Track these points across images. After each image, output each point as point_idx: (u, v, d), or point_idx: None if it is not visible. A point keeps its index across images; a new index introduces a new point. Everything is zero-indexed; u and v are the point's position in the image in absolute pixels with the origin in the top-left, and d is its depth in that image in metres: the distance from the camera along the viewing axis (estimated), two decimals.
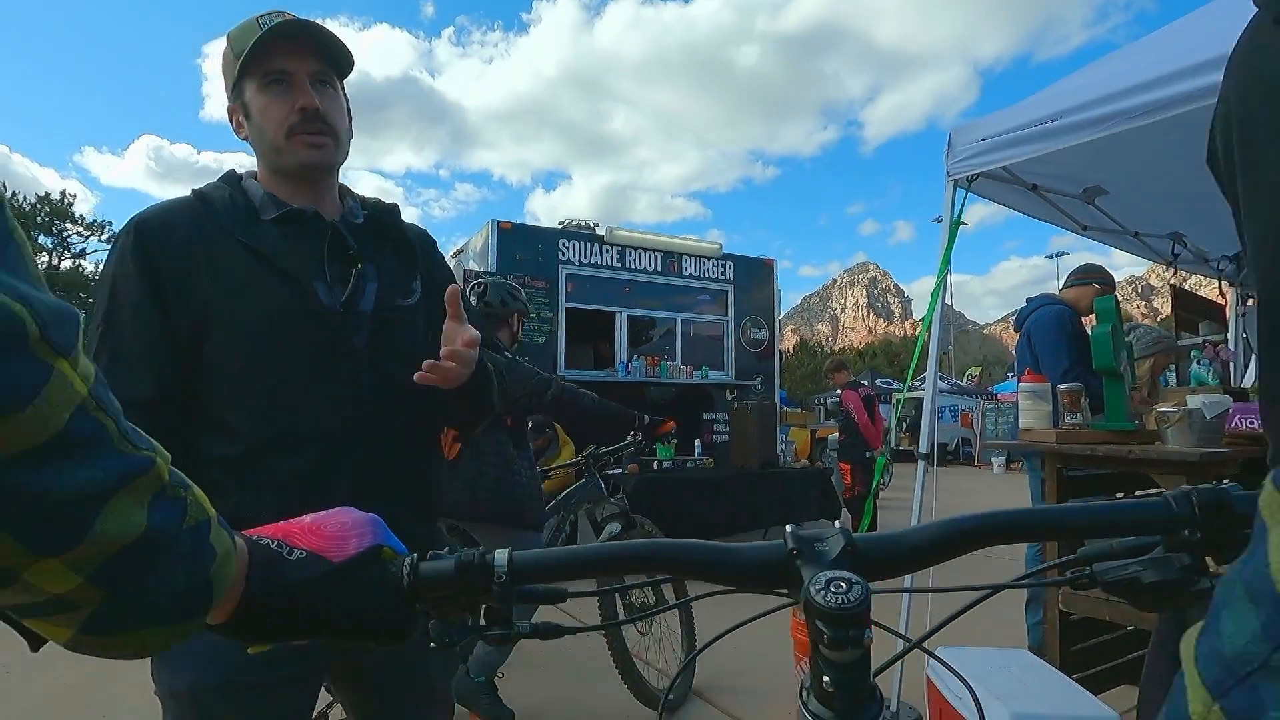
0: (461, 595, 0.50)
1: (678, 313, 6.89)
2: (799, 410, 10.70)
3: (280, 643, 0.50)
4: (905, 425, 16.16)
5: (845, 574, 0.44)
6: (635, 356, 6.72)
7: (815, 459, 6.87)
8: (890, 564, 0.50)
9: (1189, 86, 2.03)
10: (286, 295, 1.02)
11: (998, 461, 16.22)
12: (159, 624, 0.42)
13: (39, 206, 8.19)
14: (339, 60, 1.09)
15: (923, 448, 2.62)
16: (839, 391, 6.84)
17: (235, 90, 1.07)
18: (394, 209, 1.21)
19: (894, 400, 6.01)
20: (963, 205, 2.57)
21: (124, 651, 0.43)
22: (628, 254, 6.62)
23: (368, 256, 1.11)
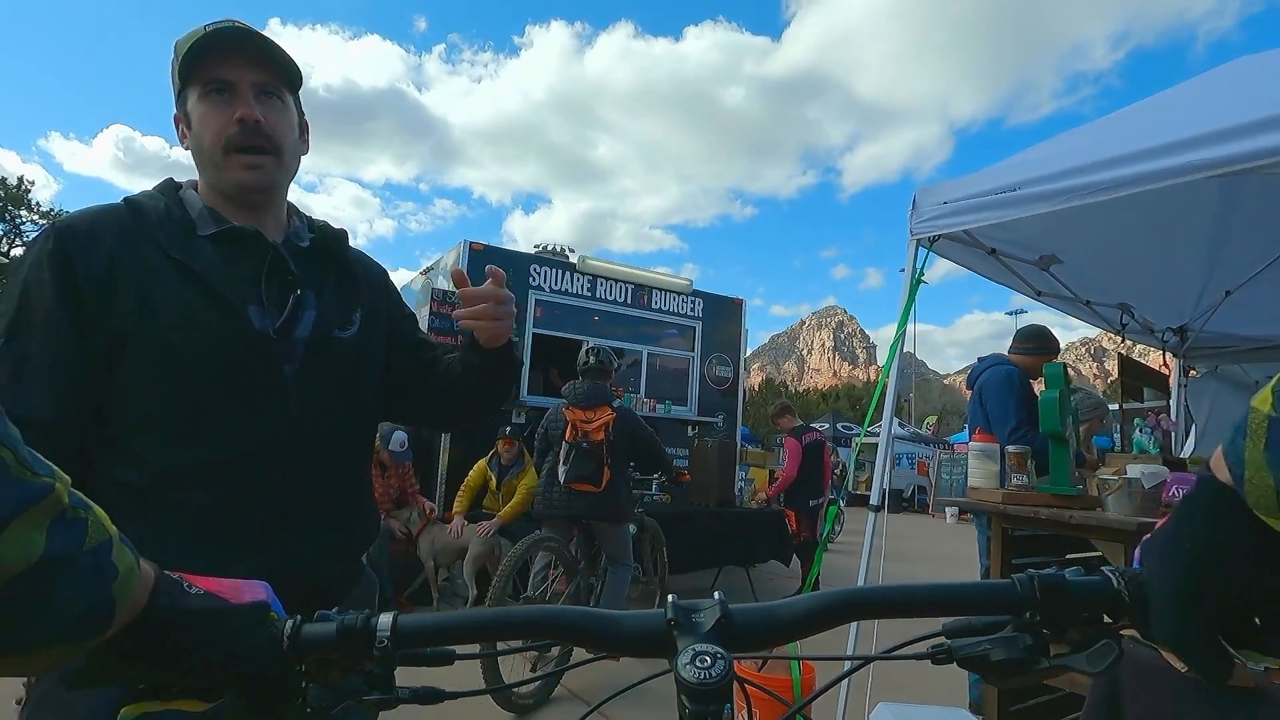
0: (344, 658, 0.50)
1: (645, 345, 6.90)
2: (759, 450, 10.74)
3: (161, 696, 0.50)
4: (866, 470, 16.36)
5: (710, 649, 0.46)
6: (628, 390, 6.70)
7: (773, 500, 6.87)
8: (763, 637, 0.52)
9: (1142, 169, 2.13)
10: (216, 317, 0.95)
11: (951, 511, 16.47)
12: (58, 643, 0.43)
13: None
14: (285, 71, 1.03)
15: (874, 500, 2.64)
16: (783, 435, 6.86)
17: (180, 98, 1.02)
18: (342, 235, 1.16)
19: (853, 445, 6.11)
20: (924, 263, 2.64)
21: (24, 669, 0.44)
22: (599, 283, 6.64)
23: (309, 283, 1.05)
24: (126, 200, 1.01)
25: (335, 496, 1.07)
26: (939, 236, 2.64)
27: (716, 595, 0.52)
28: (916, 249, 2.66)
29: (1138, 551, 0.53)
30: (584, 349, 3.95)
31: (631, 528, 4.10)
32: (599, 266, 6.70)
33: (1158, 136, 2.15)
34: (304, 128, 1.12)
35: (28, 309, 0.90)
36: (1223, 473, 0.47)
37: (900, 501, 19.83)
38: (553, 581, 3.67)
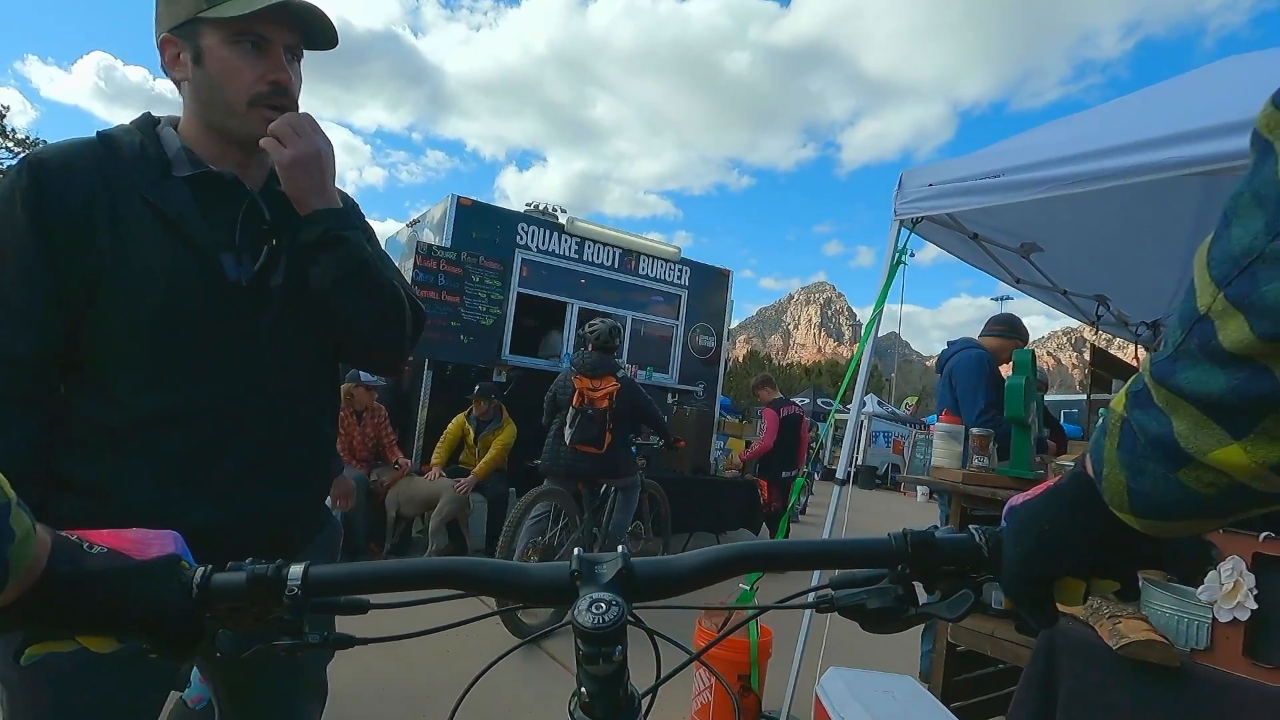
0: (254, 606, 0.51)
1: (630, 311, 6.91)
2: (739, 420, 10.86)
3: (64, 637, 0.50)
4: (842, 445, 16.56)
5: (606, 595, 0.49)
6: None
7: (747, 470, 6.99)
8: (661, 587, 0.55)
9: (1123, 163, 2.14)
10: (189, 264, 0.95)
11: (922, 490, 16.83)
12: None
13: None
14: (319, 40, 1.04)
15: (840, 473, 2.70)
16: (762, 407, 6.98)
17: (187, 26, 0.97)
18: None
19: (830, 420, 6.17)
20: (905, 244, 2.66)
21: None
22: (586, 246, 6.60)
23: (285, 230, 1.05)
24: (100, 135, 0.98)
25: (306, 442, 1.09)
26: (922, 218, 2.66)
27: (620, 549, 0.55)
28: (899, 229, 2.67)
29: (1005, 509, 0.58)
30: (593, 322, 4.34)
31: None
32: (588, 229, 6.65)
33: (1142, 131, 2.16)
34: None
35: (2, 247, 0.89)
36: (1089, 468, 0.51)
37: (874, 479, 20.20)
38: (559, 531, 4.04)
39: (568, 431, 4.04)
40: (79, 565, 0.50)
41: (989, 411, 3.01)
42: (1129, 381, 0.46)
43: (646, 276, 6.96)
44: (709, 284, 7.38)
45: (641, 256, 6.91)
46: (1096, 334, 4.29)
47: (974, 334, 3.62)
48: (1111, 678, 1.59)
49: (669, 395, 7.03)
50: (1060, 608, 0.55)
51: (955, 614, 0.55)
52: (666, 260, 7.10)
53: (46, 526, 0.50)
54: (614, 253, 6.76)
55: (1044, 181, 2.27)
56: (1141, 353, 4.82)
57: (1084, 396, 4.08)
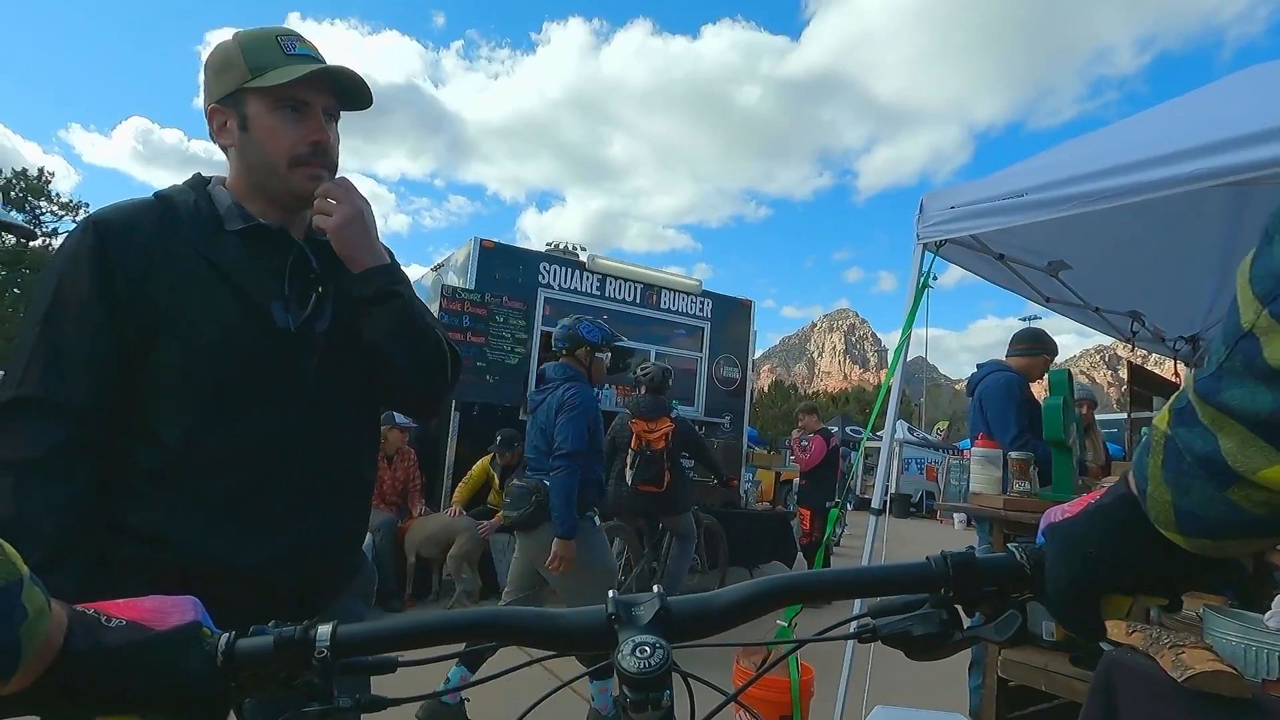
0: (281, 671, 0.49)
1: (653, 345, 6.91)
2: (766, 451, 10.72)
3: (83, 718, 0.48)
4: (874, 474, 16.23)
5: (649, 639, 0.48)
6: (607, 385, 6.72)
7: (778, 501, 6.88)
8: (700, 626, 0.53)
9: (1148, 177, 2.12)
10: (240, 312, 1.00)
11: (959, 517, 16.38)
12: None
13: (14, 181, 8.00)
14: (354, 102, 1.09)
15: (875, 503, 2.64)
16: (810, 434, 6.89)
17: (233, 97, 1.04)
18: None
19: (861, 449, 6.09)
20: (930, 268, 2.64)
21: None
22: (608, 282, 6.66)
23: (329, 277, 1.10)
24: (158, 195, 1.04)
25: (347, 482, 1.12)
26: (945, 241, 2.64)
27: (656, 589, 0.53)
28: (923, 253, 2.66)
29: (1042, 524, 0.56)
30: (645, 365, 4.60)
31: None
32: (608, 265, 6.72)
33: (1165, 144, 2.14)
34: None
35: (63, 299, 0.94)
36: (1133, 487, 0.50)
37: (908, 507, 19.73)
38: (621, 562, 4.29)
39: (629, 473, 4.29)
40: (97, 641, 0.47)
41: (1022, 436, 2.93)
42: (1172, 399, 0.46)
43: (668, 310, 6.98)
44: (731, 315, 7.38)
45: (663, 291, 6.95)
46: (1133, 351, 4.19)
47: (1001, 353, 3.55)
48: (1177, 712, 1.50)
49: (696, 428, 6.99)
50: (1114, 636, 0.53)
51: (1003, 635, 0.53)
52: (688, 293, 7.12)
53: (62, 602, 0.48)
54: (635, 288, 6.81)
55: (1069, 199, 2.25)
56: (1181, 368, 4.69)
57: (1123, 415, 3.96)
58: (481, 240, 6.03)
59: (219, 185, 1.09)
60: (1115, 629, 1.65)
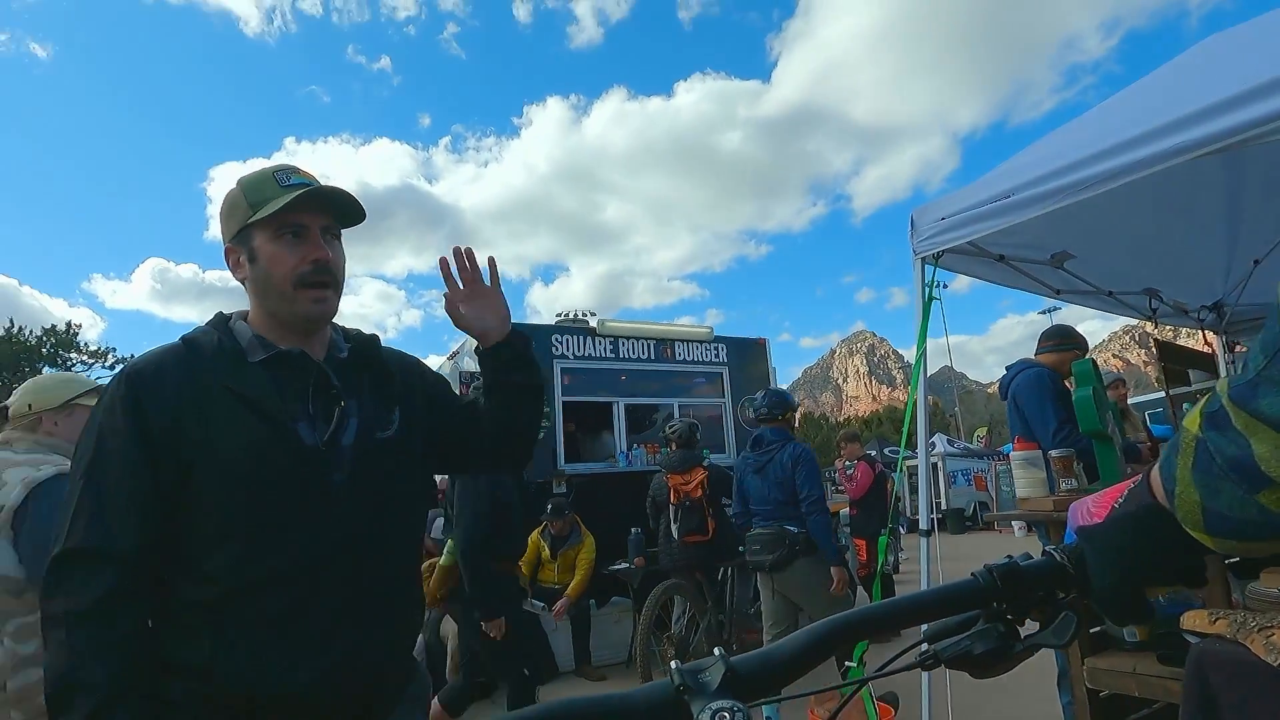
0: None
1: (674, 397, 6.91)
2: None
3: None
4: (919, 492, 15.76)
5: (727, 704, 0.47)
6: (635, 445, 6.69)
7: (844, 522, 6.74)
8: (768, 681, 0.53)
9: (1134, 156, 2.13)
10: (268, 437, 1.03)
11: (1018, 525, 15.79)
12: None
13: (44, 339, 8.41)
14: (351, 218, 1.16)
15: (923, 523, 2.57)
16: (853, 462, 6.75)
17: (241, 234, 1.11)
18: (374, 340, 1.24)
19: (900, 469, 5.97)
20: (933, 280, 2.65)
21: None
22: (621, 344, 6.71)
23: (350, 392, 1.13)
24: (183, 339, 1.11)
25: (390, 592, 1.12)
26: (943, 252, 2.65)
27: (716, 651, 0.53)
28: (923, 267, 2.67)
29: (1070, 522, 0.56)
30: (672, 423, 4.73)
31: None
32: (618, 327, 6.79)
33: (1144, 122, 2.15)
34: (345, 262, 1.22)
35: (104, 450, 0.99)
36: (1158, 488, 0.51)
37: (963, 521, 19.07)
38: (687, 619, 4.28)
39: (674, 527, 4.35)
40: None
41: (1064, 428, 2.86)
42: (1202, 402, 0.47)
43: (684, 361, 7.00)
44: (747, 356, 7.38)
45: (676, 343, 6.99)
46: (1157, 328, 4.11)
47: (1027, 350, 3.50)
48: (1277, 696, 1.41)
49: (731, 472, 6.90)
50: (1199, 627, 0.54)
51: (1063, 638, 0.53)
52: (701, 341, 7.15)
53: None
54: (648, 345, 6.85)
55: (1057, 192, 2.26)
56: (1210, 337, 4.58)
57: (1164, 394, 3.86)
58: None
59: (240, 320, 1.15)
60: (1198, 619, 1.58)
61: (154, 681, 0.96)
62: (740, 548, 4.59)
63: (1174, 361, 3.77)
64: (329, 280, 1.11)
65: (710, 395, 7.12)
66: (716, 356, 7.17)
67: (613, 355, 6.65)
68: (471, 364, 6.28)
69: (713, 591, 4.47)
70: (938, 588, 0.56)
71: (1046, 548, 0.56)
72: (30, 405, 1.81)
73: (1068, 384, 3.02)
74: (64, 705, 0.90)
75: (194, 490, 1.00)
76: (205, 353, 1.08)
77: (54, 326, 9.10)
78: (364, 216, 1.16)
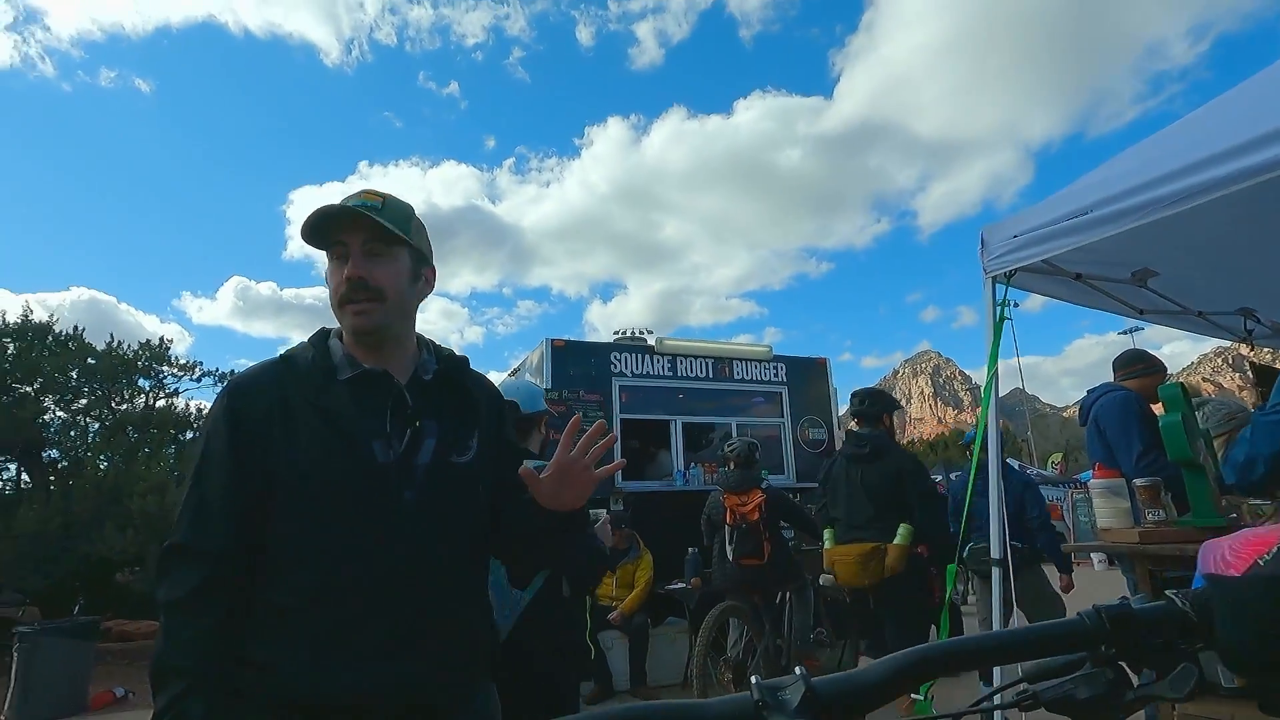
0: None
1: (732, 417, 6.85)
2: None
3: None
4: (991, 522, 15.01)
5: None
6: (693, 464, 6.65)
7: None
8: (849, 704, 0.51)
9: (1225, 170, 2.02)
10: (344, 453, 1.09)
11: (1097, 557, 14.87)
12: None
13: (140, 352, 9.04)
14: (389, 229, 1.14)
15: (994, 552, 2.47)
16: None
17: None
18: (463, 362, 1.28)
19: (967, 496, 5.67)
20: (1004, 299, 2.56)
21: None
22: (679, 362, 6.72)
23: (430, 412, 1.17)
24: (282, 355, 1.19)
25: (451, 615, 1.14)
26: (1015, 270, 2.56)
27: (798, 670, 0.52)
28: (994, 286, 2.58)
29: (1201, 565, 0.52)
30: (731, 442, 4.64)
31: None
32: (677, 345, 6.80)
33: (1237, 134, 2.04)
34: (420, 273, 1.22)
35: (207, 456, 1.09)
36: None
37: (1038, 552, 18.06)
38: (744, 643, 4.25)
39: (729, 548, 4.27)
40: None
41: (1149, 454, 2.69)
42: None
43: (743, 380, 6.95)
44: (807, 376, 7.26)
45: (734, 361, 6.94)
46: (1253, 350, 3.84)
47: (1106, 373, 3.32)
48: None
49: (792, 495, 6.78)
50: None
51: (1181, 691, 0.49)
52: (760, 360, 7.08)
53: None
54: (706, 363, 6.83)
55: (1140, 208, 2.16)
56: None
57: None
58: (553, 340, 6.25)
59: (336, 338, 1.20)
60: None
61: (228, 672, 1.03)
62: (803, 572, 4.53)
63: (1271, 385, 3.50)
64: (365, 295, 1.13)
65: (769, 415, 7.03)
66: (776, 376, 7.09)
67: (670, 373, 6.66)
68: (532, 379, 6.40)
69: (769, 615, 4.39)
70: (1039, 625, 0.53)
71: (1167, 591, 0.52)
72: None
73: (1154, 409, 2.86)
74: (159, 684, 1.01)
75: (278, 500, 1.07)
76: (299, 369, 1.14)
77: (148, 341, 9.78)
78: (397, 229, 1.14)
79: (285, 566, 1.06)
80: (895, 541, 3.62)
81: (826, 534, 4.00)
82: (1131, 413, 2.85)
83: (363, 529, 1.08)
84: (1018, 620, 3.93)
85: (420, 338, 1.27)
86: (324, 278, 1.19)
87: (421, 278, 1.24)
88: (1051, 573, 4.35)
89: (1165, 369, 3.07)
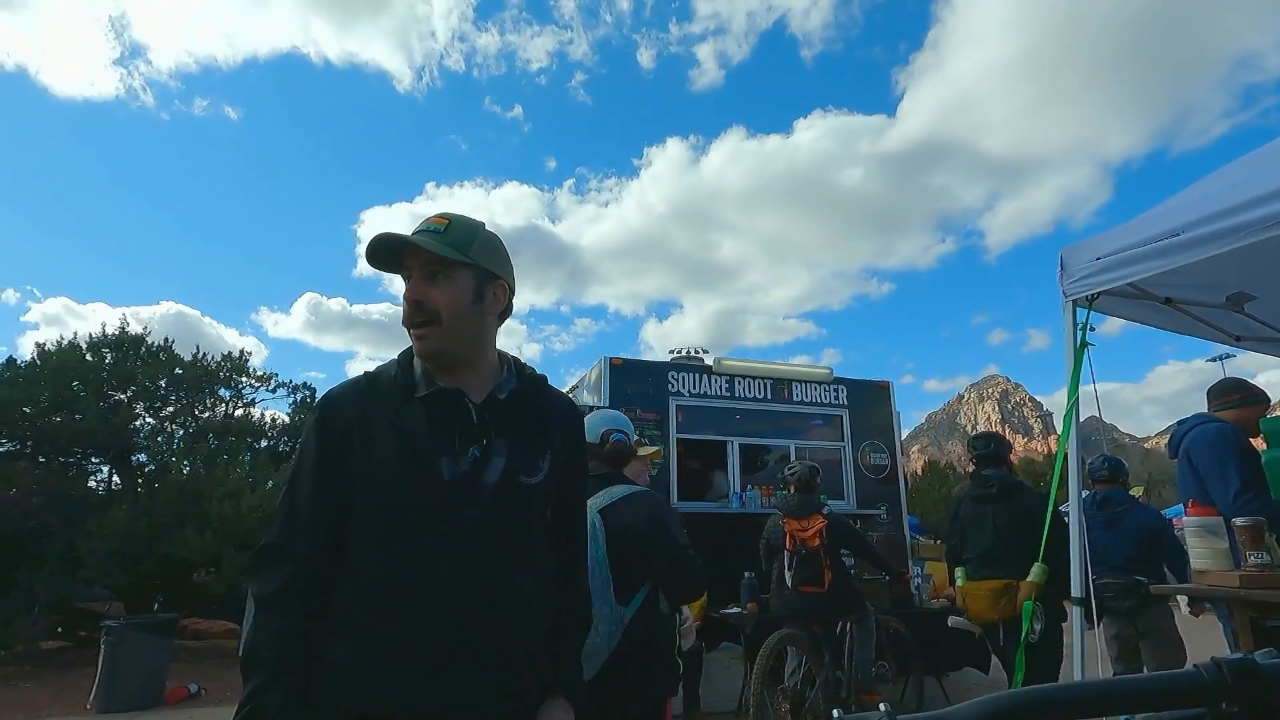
0: None
1: (790, 439, 6.73)
2: (935, 541, 9.82)
3: None
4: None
5: None
6: (749, 486, 6.56)
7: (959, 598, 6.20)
8: None
9: None
10: (414, 469, 1.12)
11: (1183, 601, 13.85)
12: None
13: (223, 364, 9.60)
14: (438, 251, 1.15)
15: (1075, 590, 2.33)
16: None
17: None
18: (540, 381, 1.29)
19: (1045, 530, 5.33)
20: (1085, 324, 2.44)
21: None
22: (737, 382, 6.66)
23: (503, 431, 1.19)
24: (368, 373, 1.25)
25: (509, 638, 1.13)
26: (1099, 294, 2.45)
27: (884, 707, 0.51)
28: (1074, 310, 2.47)
29: None
30: (791, 465, 4.57)
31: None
32: (735, 366, 6.75)
33: None
34: (484, 291, 1.22)
35: (300, 464, 1.16)
36: None
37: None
38: (803, 673, 4.15)
39: (788, 574, 4.21)
40: None
41: (1248, 490, 2.49)
42: None
43: (802, 402, 6.83)
44: (869, 399, 7.08)
45: (793, 383, 6.84)
46: None
47: (1194, 404, 3.12)
48: None
49: (854, 522, 6.60)
50: None
51: None
52: (820, 382, 6.95)
53: None
54: (764, 384, 6.75)
55: (1235, 230, 2.04)
56: None
57: None
58: (611, 359, 6.29)
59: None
60: None
61: (306, 669, 1.08)
62: (864, 602, 4.38)
63: None
64: (423, 319, 1.16)
65: (829, 439, 6.88)
66: (836, 398, 6.94)
67: (728, 394, 6.61)
68: (590, 398, 6.46)
69: (829, 646, 4.28)
70: (1153, 675, 0.51)
71: None
72: None
73: (1255, 443, 2.66)
74: (246, 673, 1.08)
75: (356, 509, 1.13)
76: (381, 386, 1.20)
77: (229, 353, 10.36)
78: (462, 247, 1.16)
79: (358, 576, 1.11)
80: (1029, 579, 3.51)
81: (958, 573, 3.98)
82: (1229, 447, 2.65)
83: (426, 545, 1.11)
84: (1148, 660, 3.97)
85: (504, 355, 1.29)
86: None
87: (488, 295, 1.22)
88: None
89: (1267, 399, 2.85)
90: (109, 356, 8.92)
